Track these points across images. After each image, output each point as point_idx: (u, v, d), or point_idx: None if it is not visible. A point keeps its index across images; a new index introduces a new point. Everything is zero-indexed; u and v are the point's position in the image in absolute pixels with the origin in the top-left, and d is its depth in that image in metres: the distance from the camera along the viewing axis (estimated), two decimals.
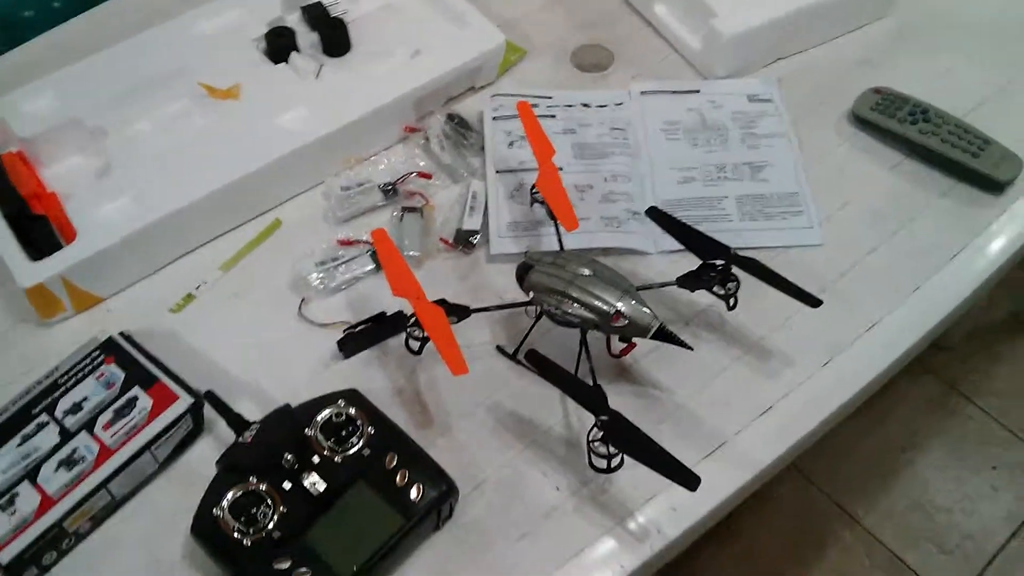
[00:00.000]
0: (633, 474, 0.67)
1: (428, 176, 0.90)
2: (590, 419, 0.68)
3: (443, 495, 0.67)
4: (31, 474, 0.68)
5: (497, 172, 0.90)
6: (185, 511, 0.70)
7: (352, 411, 0.69)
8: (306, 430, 0.68)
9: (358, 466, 0.67)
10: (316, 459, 0.67)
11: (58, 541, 0.67)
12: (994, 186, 0.88)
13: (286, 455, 0.67)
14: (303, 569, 0.62)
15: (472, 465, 0.71)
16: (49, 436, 0.70)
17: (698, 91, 0.98)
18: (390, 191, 0.89)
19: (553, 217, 0.81)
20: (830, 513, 1.46)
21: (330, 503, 0.66)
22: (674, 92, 0.98)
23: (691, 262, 0.78)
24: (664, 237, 0.86)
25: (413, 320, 0.74)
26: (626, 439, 0.65)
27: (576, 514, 0.71)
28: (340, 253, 0.85)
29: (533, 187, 0.83)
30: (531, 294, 0.74)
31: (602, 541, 0.70)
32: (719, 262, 0.76)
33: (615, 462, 0.67)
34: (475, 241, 0.86)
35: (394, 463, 0.67)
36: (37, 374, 0.77)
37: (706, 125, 0.95)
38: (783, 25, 0.97)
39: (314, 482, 0.66)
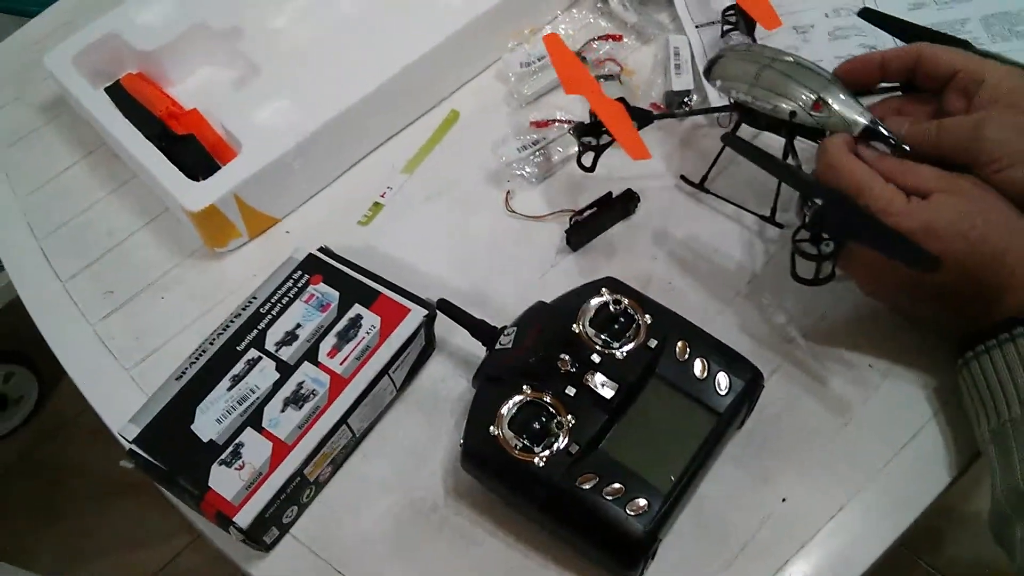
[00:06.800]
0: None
1: (619, 38, 0.77)
2: None
3: (751, 384, 0.56)
4: (252, 420, 0.57)
5: (697, 27, 0.77)
6: (435, 440, 0.60)
7: (622, 299, 0.57)
8: (573, 326, 0.57)
9: (646, 360, 0.55)
10: (596, 358, 0.55)
11: (298, 493, 0.57)
12: None
13: (562, 355, 0.55)
14: (616, 485, 0.51)
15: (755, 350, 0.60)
16: (265, 373, 0.59)
17: None
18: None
19: (746, 19, 0.72)
20: None
21: (623, 407, 0.54)
22: None
23: None
24: None
25: (586, 127, 0.65)
26: (846, 221, 0.52)
27: (896, 393, 0.59)
28: (539, 136, 0.73)
29: (726, 9, 0.73)
30: (718, 83, 0.64)
31: (938, 418, 0.58)
32: None
33: (825, 271, 0.54)
34: (690, 102, 0.73)
35: (687, 353, 0.56)
36: (220, 311, 0.67)
37: None
38: None
39: (602, 382, 0.54)
